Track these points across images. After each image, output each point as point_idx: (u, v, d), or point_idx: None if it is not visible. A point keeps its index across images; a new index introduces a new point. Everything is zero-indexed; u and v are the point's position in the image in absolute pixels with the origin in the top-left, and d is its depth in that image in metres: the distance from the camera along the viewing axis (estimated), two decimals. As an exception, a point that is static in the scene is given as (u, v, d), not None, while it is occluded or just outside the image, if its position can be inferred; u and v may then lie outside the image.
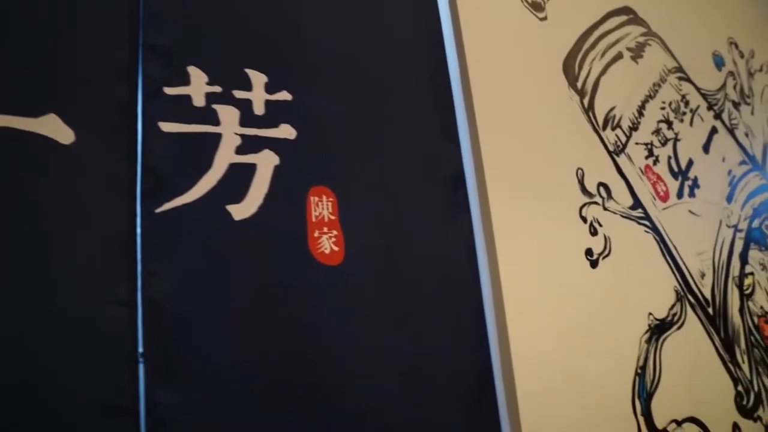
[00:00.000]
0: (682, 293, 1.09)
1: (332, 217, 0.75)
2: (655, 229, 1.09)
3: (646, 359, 0.99)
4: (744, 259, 1.27)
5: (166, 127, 0.70)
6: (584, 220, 0.98)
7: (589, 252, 0.96)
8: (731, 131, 1.39)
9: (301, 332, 0.69)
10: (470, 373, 0.80)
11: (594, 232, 0.99)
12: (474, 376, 0.80)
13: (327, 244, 0.74)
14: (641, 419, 0.94)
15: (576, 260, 0.95)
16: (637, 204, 1.08)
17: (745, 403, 1.13)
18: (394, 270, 0.78)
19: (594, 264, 0.97)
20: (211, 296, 0.66)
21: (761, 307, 1.27)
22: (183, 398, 0.61)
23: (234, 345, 0.66)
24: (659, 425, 0.96)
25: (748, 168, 1.39)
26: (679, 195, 1.18)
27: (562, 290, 0.91)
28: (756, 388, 1.16)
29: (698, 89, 1.35)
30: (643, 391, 0.96)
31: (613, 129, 1.10)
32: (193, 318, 0.65)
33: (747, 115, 1.47)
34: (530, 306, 0.86)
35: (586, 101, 1.07)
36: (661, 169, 1.16)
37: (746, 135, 1.43)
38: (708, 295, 1.14)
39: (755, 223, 1.34)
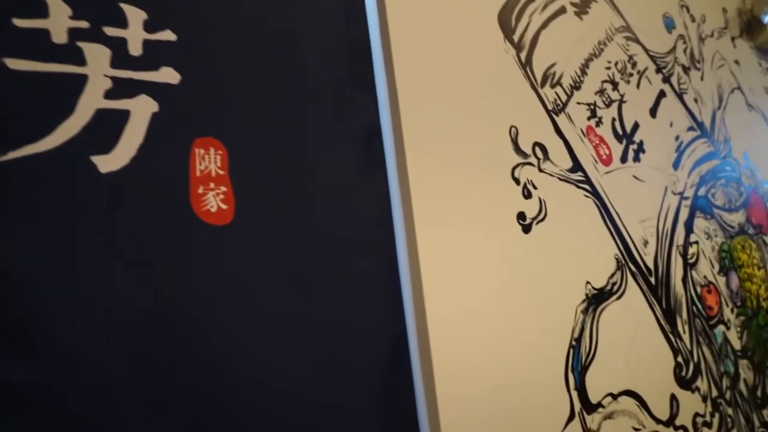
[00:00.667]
0: (623, 262, 1.04)
1: (221, 172, 0.66)
2: (595, 194, 1.03)
3: (582, 331, 0.93)
4: (689, 228, 1.23)
5: (15, 64, 0.59)
6: (517, 181, 0.91)
7: (521, 216, 0.90)
8: (680, 96, 1.34)
9: (179, 302, 0.61)
10: (383, 346, 0.73)
11: (528, 195, 0.92)
12: (387, 348, 0.73)
13: (213, 201, 0.65)
14: (574, 394, 0.89)
15: (506, 225, 0.88)
16: (576, 167, 1.02)
17: (684, 374, 1.09)
18: (296, 231, 0.70)
19: (527, 229, 0.90)
20: (67, 261, 0.57)
21: (704, 277, 1.23)
22: (24, 376, 0.53)
23: (94, 317, 0.57)
24: (594, 399, 0.91)
25: (696, 135, 1.35)
26: (623, 159, 1.12)
27: (490, 257, 0.84)
28: (696, 359, 1.13)
29: (647, 51, 1.29)
30: (578, 364, 0.91)
31: (553, 87, 1.03)
32: (45, 286, 0.56)
33: (696, 81, 1.42)
34: (452, 272, 0.79)
35: (523, 56, 1.00)
36: (605, 131, 1.10)
37: (695, 101, 1.39)
38: (650, 264, 1.10)
39: (701, 191, 1.30)
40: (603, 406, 0.92)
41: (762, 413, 1.25)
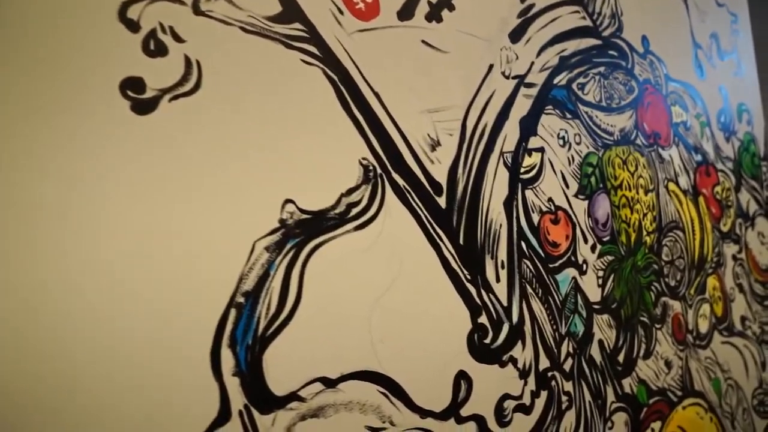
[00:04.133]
0: (377, 171, 0.66)
1: None
2: (330, 62, 0.64)
3: (263, 279, 0.56)
4: (529, 128, 0.84)
5: None
6: (132, 26, 0.52)
7: (132, 85, 0.51)
8: (540, -59, 0.92)
9: None
10: None
11: (158, 51, 0.52)
12: None
13: None
14: (233, 382, 0.53)
15: (98, 100, 0.49)
16: (292, 14, 0.62)
17: (489, 340, 0.74)
18: None
19: (146, 107, 0.51)
20: None
21: (549, 200, 0.86)
22: None
23: None
24: (281, 389, 0.56)
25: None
26: (405, 14, 0.72)
27: (42, 152, 0.46)
28: (516, 318, 0.77)
29: None
30: (247, 334, 0.55)
31: None
32: None
33: (575, -75, 1.00)
34: None
35: None
36: (369, -33, 0.70)
37: (568, -48, 0.97)
38: (441, 178, 0.72)
39: (560, 79, 0.91)
40: (302, 399, 0.57)
41: (622, 383, 0.92)
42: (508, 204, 0.79)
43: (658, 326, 1.00)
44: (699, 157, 1.17)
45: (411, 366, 0.66)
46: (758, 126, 1.36)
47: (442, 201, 0.72)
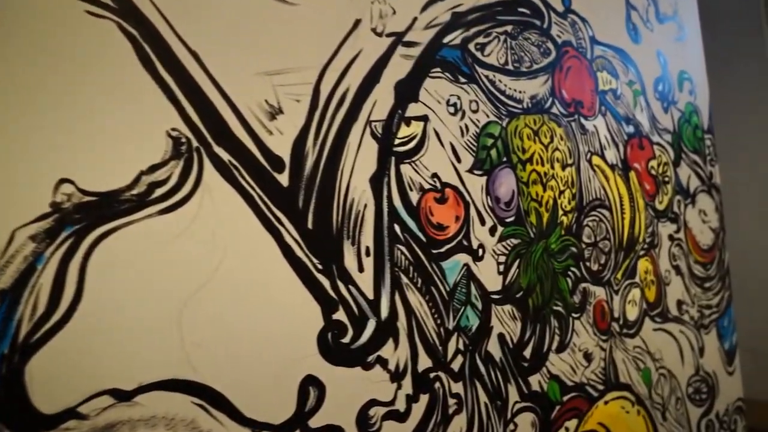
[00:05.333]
0: (191, 143, 0.56)
1: None
2: (128, 13, 0.53)
3: (27, 274, 0.47)
4: (407, 94, 0.74)
5: None
6: None
7: None
8: None
9: None
10: None
11: None
12: None
13: None
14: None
15: None
16: (68, -46, 0.51)
17: (348, 339, 0.64)
18: None
19: None
20: None
21: (434, 176, 0.76)
22: None
23: None
24: (52, 407, 0.46)
25: (458, -51, 0.83)
26: (239, -39, 0.61)
27: None
28: (385, 313, 0.68)
29: None
30: (2, 340, 0.45)
31: None
32: None
33: None
34: None
35: None
36: None
37: None
38: (281, 151, 0.62)
39: (452, 38, 0.80)
40: (83, 417, 0.48)
41: (529, 380, 0.82)
42: (377, 181, 0.69)
43: (576, 315, 0.91)
44: (631, 129, 1.07)
45: (239, 372, 0.56)
46: (702, 96, 1.26)
47: (283, 178, 0.61)
